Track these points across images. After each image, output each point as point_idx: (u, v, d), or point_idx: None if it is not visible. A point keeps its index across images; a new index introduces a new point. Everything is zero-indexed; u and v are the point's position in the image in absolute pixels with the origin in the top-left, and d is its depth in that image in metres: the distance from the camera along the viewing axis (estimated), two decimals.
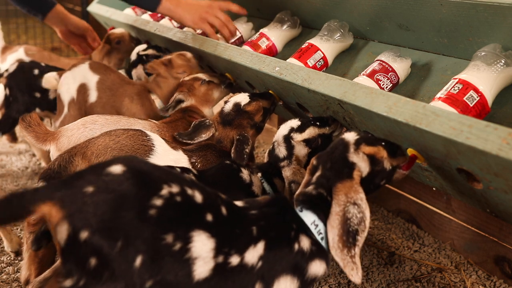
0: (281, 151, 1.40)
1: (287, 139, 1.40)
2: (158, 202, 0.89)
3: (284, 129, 1.43)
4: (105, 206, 0.85)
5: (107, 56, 2.49)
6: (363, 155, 1.06)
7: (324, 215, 1.04)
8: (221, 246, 0.94)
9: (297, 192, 1.11)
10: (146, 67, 2.05)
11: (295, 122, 1.42)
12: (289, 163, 1.40)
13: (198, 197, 0.96)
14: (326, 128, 1.41)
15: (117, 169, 0.90)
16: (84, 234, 0.83)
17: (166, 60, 2.00)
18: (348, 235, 0.98)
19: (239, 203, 1.07)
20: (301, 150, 1.40)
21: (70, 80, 1.96)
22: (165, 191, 0.91)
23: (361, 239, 0.98)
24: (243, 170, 1.36)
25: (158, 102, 2.03)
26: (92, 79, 1.96)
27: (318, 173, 1.09)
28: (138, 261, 0.86)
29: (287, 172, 1.38)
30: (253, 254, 0.97)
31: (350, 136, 1.09)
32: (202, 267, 0.91)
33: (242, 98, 1.58)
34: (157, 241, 0.87)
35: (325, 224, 1.04)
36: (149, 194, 0.89)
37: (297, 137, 1.40)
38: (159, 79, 2.01)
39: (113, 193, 0.86)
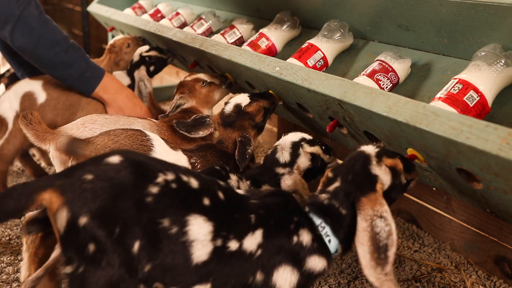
0: (284, 156, 1.42)
1: (296, 146, 1.43)
2: (154, 189, 0.91)
3: (295, 136, 1.45)
4: (103, 193, 0.87)
5: (115, 65, 2.45)
6: (385, 167, 1.06)
7: (331, 223, 1.04)
8: (219, 230, 0.95)
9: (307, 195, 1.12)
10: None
11: (307, 135, 1.47)
12: (290, 170, 1.41)
13: (194, 183, 0.98)
14: (327, 156, 1.46)
15: (114, 159, 0.93)
16: (83, 220, 0.86)
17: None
18: (380, 252, 0.96)
19: (241, 191, 1.09)
20: (304, 162, 1.43)
21: (12, 97, 1.96)
22: (160, 178, 0.93)
23: (391, 254, 0.96)
24: (231, 176, 1.36)
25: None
26: (36, 85, 1.97)
27: (335, 184, 1.07)
28: (136, 246, 0.88)
29: (288, 181, 1.38)
30: (252, 241, 0.98)
31: (370, 149, 1.09)
32: (201, 250, 0.93)
33: (243, 99, 1.58)
34: (154, 226, 0.89)
35: (331, 229, 1.04)
36: (145, 182, 0.92)
37: (307, 148, 1.42)
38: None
39: (110, 181, 0.89)
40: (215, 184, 1.02)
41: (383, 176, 1.05)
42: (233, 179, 1.36)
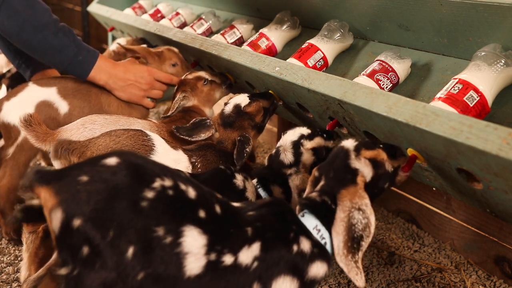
0: (288, 157, 1.40)
1: (297, 145, 1.40)
2: (149, 194, 0.90)
3: (293, 135, 1.42)
4: (98, 195, 0.86)
5: None
6: (364, 160, 1.07)
7: (327, 221, 1.04)
8: (213, 244, 0.93)
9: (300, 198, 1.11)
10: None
11: (305, 130, 1.42)
12: (296, 170, 1.41)
13: (192, 193, 0.96)
14: (331, 141, 1.42)
15: (111, 161, 0.92)
16: (77, 222, 0.85)
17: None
18: (353, 241, 0.98)
19: (236, 204, 1.07)
20: (308, 158, 1.40)
21: (23, 105, 1.74)
22: (157, 183, 0.92)
23: (365, 244, 0.98)
24: (237, 176, 1.36)
25: None
26: (50, 93, 1.79)
27: (321, 183, 1.09)
28: (130, 252, 0.86)
29: (296, 181, 1.39)
30: (248, 255, 0.96)
31: (349, 143, 1.10)
32: (194, 263, 0.91)
33: (242, 99, 1.58)
34: (149, 233, 0.88)
35: (327, 230, 1.04)
36: (141, 185, 0.90)
37: (307, 144, 1.39)
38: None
39: (106, 183, 0.88)
40: (213, 196, 1.01)
41: (364, 168, 1.06)
42: (239, 178, 1.36)
